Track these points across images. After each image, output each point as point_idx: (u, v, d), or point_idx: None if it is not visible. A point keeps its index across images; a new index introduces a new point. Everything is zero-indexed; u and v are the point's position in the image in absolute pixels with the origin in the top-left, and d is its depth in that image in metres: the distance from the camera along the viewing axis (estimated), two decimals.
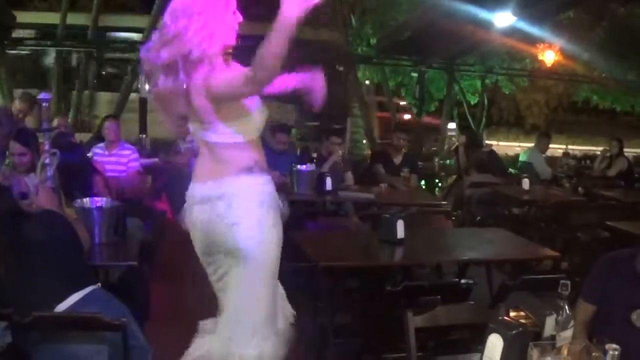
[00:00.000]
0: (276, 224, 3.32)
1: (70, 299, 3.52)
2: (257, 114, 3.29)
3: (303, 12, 2.65)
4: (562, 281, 2.75)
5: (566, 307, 2.73)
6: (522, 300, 4.83)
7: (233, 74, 3.14)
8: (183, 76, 3.06)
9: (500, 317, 2.72)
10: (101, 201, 4.97)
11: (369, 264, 4.83)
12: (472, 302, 3.59)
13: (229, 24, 3.17)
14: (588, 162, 14.16)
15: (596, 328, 3.38)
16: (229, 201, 3.20)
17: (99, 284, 3.76)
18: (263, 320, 3.29)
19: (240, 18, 3.19)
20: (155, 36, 3.15)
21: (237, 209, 3.20)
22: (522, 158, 11.31)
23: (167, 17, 3.11)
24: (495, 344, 2.58)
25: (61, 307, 3.49)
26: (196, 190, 3.33)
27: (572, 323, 2.74)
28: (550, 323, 2.73)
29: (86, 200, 4.89)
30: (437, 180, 11.99)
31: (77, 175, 5.46)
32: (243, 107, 3.21)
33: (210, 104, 3.06)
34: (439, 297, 3.42)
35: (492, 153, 10.76)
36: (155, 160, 9.66)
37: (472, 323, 3.48)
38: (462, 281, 4.91)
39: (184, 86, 3.08)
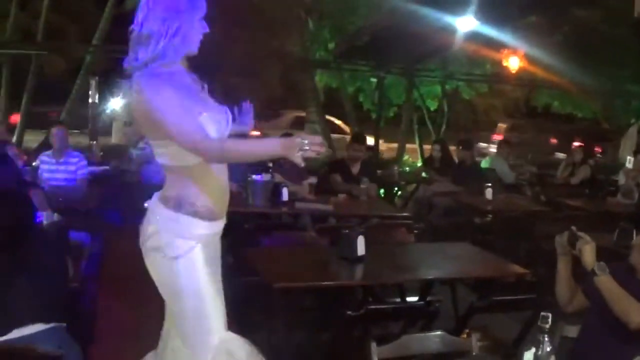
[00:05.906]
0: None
1: (34, 326, 3.41)
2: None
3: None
4: (542, 313, 2.50)
5: (546, 340, 2.48)
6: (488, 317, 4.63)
7: (189, 120, 2.93)
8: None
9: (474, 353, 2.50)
10: (40, 216, 4.65)
11: (327, 284, 4.54)
12: (440, 332, 3.28)
13: (196, 32, 3.09)
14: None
15: None
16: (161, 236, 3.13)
17: (65, 324, 3.61)
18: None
19: (206, 28, 3.11)
20: (131, 42, 3.05)
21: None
22: (484, 165, 11.17)
23: (139, 20, 3.02)
24: None
25: (21, 331, 3.37)
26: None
27: (552, 358, 2.48)
28: (528, 358, 2.48)
29: None
30: (396, 189, 11.67)
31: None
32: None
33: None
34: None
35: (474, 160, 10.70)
36: (106, 167, 9.42)
37: (441, 353, 3.21)
38: (429, 299, 4.69)
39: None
